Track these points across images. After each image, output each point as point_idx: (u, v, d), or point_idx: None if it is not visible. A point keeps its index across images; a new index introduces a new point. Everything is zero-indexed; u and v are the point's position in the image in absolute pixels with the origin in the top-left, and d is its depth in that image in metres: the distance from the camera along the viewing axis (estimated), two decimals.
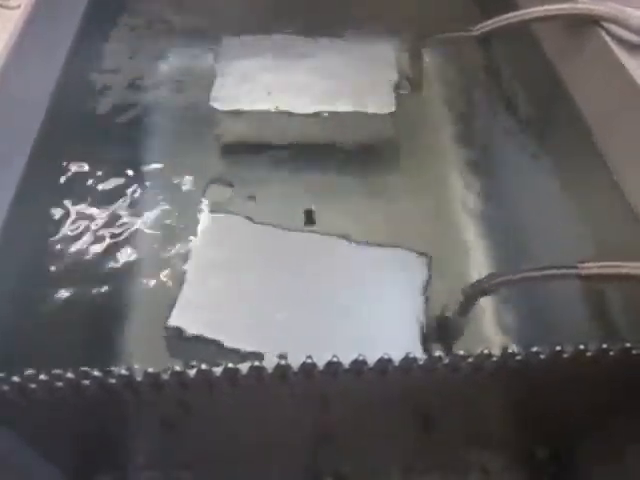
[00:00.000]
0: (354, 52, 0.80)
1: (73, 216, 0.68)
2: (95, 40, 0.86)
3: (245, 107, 0.74)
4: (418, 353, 0.43)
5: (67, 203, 0.69)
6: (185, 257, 0.64)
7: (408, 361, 0.42)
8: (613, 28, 0.63)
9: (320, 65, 0.78)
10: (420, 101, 0.82)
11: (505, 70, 0.82)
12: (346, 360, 0.42)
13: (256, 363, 0.42)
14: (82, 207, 0.69)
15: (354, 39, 0.82)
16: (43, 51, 0.72)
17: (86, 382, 0.42)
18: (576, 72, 0.68)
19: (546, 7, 0.68)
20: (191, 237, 0.66)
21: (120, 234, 0.68)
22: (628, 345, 0.43)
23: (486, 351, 0.42)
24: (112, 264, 0.65)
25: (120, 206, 0.70)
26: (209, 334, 0.56)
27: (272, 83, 0.76)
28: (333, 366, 0.42)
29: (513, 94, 0.80)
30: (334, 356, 0.42)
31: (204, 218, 0.68)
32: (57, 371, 0.41)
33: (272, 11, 0.89)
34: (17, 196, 0.62)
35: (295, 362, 0.42)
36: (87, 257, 0.65)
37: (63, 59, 0.77)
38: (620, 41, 0.62)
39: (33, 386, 0.41)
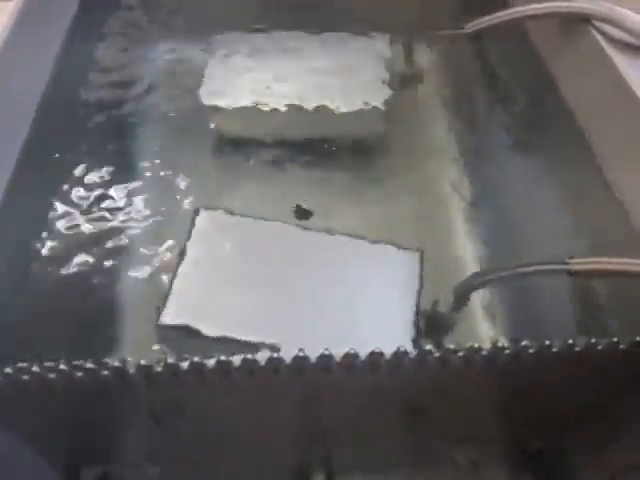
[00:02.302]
0: (346, 48, 0.80)
1: (65, 210, 0.68)
2: (90, 32, 0.86)
3: (236, 103, 0.74)
4: (409, 348, 0.43)
5: (58, 197, 0.69)
6: (178, 252, 0.64)
7: (399, 355, 0.43)
8: (605, 27, 0.63)
9: (312, 61, 0.78)
10: (412, 98, 0.83)
11: (497, 68, 0.82)
12: (338, 354, 0.43)
13: (249, 356, 0.42)
14: (74, 201, 0.69)
15: (346, 35, 0.82)
16: (37, 43, 0.72)
17: (79, 374, 0.42)
18: (568, 70, 0.69)
19: (539, 5, 0.68)
20: (184, 233, 0.66)
21: (112, 229, 0.68)
22: (616, 340, 0.44)
23: (476, 345, 0.43)
24: (103, 258, 0.65)
25: (112, 201, 0.70)
26: (201, 327, 0.56)
27: (263, 79, 0.76)
28: (325, 359, 0.43)
29: (505, 92, 0.80)
30: (326, 349, 0.42)
31: (196, 214, 0.68)
32: (50, 363, 0.41)
33: (265, 6, 0.89)
34: (8, 190, 0.62)
35: (287, 355, 0.43)
36: (78, 251, 0.65)
37: (57, 50, 0.77)
38: (612, 40, 0.62)
39: (25, 378, 0.41)
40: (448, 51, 0.86)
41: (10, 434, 0.51)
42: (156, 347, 0.57)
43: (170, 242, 0.66)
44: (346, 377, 0.44)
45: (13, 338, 0.55)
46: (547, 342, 0.43)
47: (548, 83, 0.71)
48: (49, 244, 0.65)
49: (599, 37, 0.63)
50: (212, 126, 0.77)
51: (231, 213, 0.67)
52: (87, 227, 0.67)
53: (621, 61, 0.59)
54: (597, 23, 0.64)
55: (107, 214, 0.69)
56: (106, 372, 0.42)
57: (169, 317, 0.57)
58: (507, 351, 0.43)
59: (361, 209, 0.70)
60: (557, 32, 0.70)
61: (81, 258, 0.65)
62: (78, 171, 0.72)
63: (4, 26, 0.64)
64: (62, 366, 0.41)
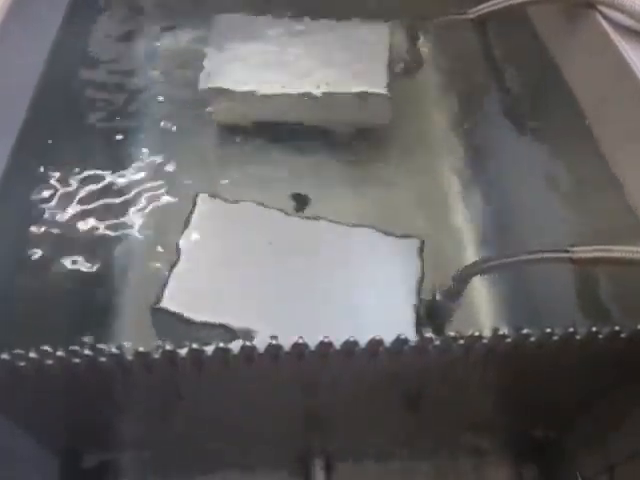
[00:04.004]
0: (349, 33, 0.79)
1: (64, 196, 0.68)
2: (89, 13, 0.85)
3: (237, 87, 0.73)
4: (411, 335, 0.43)
5: (57, 183, 0.69)
6: (178, 238, 0.63)
7: (399, 342, 0.42)
8: (609, 12, 0.62)
9: (314, 46, 0.77)
10: (415, 83, 0.82)
11: (501, 53, 0.81)
12: (337, 341, 0.42)
13: (247, 343, 0.42)
14: (72, 188, 0.69)
15: (349, 20, 0.81)
16: (33, 28, 0.71)
17: (76, 360, 0.41)
18: (571, 55, 0.68)
19: None
20: (184, 219, 0.65)
21: (112, 215, 0.67)
22: (617, 328, 0.44)
23: (477, 333, 0.43)
24: (102, 245, 0.65)
25: (110, 186, 0.70)
26: (200, 315, 0.56)
27: (264, 63, 0.75)
28: (324, 347, 0.42)
29: (508, 77, 0.80)
30: (325, 337, 0.42)
31: (197, 200, 0.67)
32: (47, 349, 0.41)
33: None
34: (5, 174, 0.61)
35: (287, 342, 0.42)
36: (77, 237, 0.65)
37: (53, 36, 0.76)
38: (616, 25, 0.61)
39: (22, 364, 0.41)
40: (451, 37, 0.85)
41: (8, 421, 0.51)
42: (153, 332, 0.57)
43: (170, 228, 0.66)
44: (346, 365, 0.44)
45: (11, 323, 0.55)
46: (548, 330, 0.43)
47: (551, 69, 0.70)
48: (48, 231, 0.65)
49: (603, 22, 0.62)
50: (211, 111, 0.76)
51: (230, 200, 0.66)
52: (85, 214, 0.67)
53: (624, 45, 0.59)
54: (602, 8, 0.63)
55: (105, 199, 0.68)
56: (103, 358, 0.41)
57: (167, 302, 0.56)
58: (508, 339, 0.43)
59: (362, 196, 0.69)
60: (561, 18, 0.69)
61: (78, 245, 0.64)
62: (76, 155, 0.71)
63: (1, 6, 0.63)
64: (59, 352, 0.41)
